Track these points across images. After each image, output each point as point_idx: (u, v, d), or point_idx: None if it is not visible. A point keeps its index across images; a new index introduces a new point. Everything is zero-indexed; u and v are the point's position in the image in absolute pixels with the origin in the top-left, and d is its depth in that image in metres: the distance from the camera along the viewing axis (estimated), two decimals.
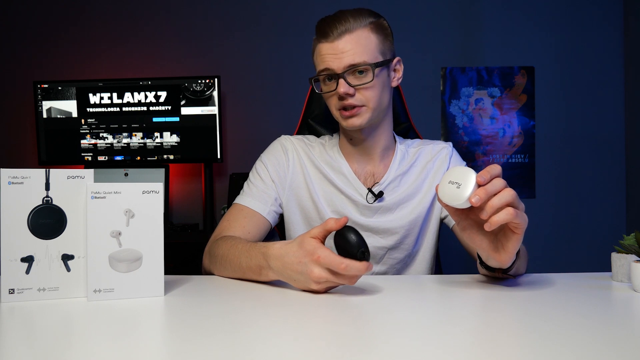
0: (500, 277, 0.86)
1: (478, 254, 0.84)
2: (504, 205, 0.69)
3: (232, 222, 1.06)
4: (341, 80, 1.00)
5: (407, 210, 1.11)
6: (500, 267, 0.80)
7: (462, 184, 0.70)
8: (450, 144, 1.19)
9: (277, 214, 1.12)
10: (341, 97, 1.02)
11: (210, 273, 0.99)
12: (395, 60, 1.09)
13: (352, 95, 1.01)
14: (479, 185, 0.70)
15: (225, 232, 1.04)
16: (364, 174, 1.12)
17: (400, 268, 1.13)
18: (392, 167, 1.13)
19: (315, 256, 0.73)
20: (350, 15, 1.01)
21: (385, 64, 1.04)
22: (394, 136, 1.18)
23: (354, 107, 1.02)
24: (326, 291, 0.77)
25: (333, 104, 1.06)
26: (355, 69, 1.00)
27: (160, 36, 2.61)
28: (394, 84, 1.10)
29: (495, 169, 0.71)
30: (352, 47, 0.99)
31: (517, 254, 0.81)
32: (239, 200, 1.10)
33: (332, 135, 1.21)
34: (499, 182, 0.70)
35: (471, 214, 0.76)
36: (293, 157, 1.14)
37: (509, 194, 0.70)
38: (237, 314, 0.66)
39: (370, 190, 1.10)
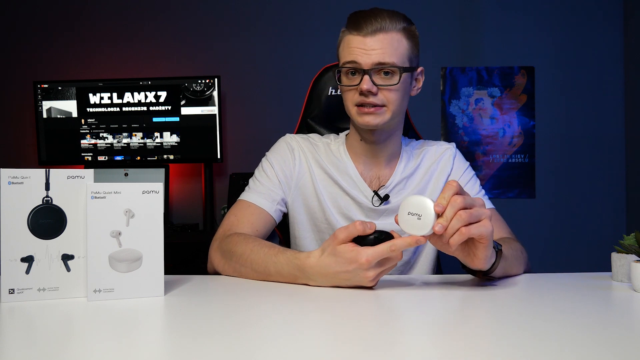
0: (482, 278, 0.87)
1: None
2: (461, 226, 0.72)
3: (240, 218, 1.05)
4: (366, 77, 0.98)
5: None
6: (479, 270, 0.81)
7: (423, 215, 0.73)
8: (454, 144, 1.18)
9: (282, 213, 1.11)
10: (362, 94, 1.00)
11: (216, 273, 0.98)
12: (419, 70, 1.07)
13: (374, 94, 1.00)
14: (437, 214, 0.73)
15: (234, 229, 1.02)
16: (370, 176, 1.11)
17: (404, 270, 1.13)
18: (398, 170, 1.12)
19: (362, 260, 0.75)
20: (386, 15, 1.00)
21: (411, 71, 1.03)
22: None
23: (374, 105, 1.01)
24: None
25: (350, 99, 1.04)
26: (382, 69, 0.99)
27: (160, 36, 2.61)
28: (413, 93, 1.08)
29: (451, 188, 0.73)
30: (383, 46, 0.98)
31: (500, 256, 0.83)
32: (245, 196, 1.08)
33: (338, 135, 1.19)
34: (457, 203, 0.72)
35: None
36: (299, 156, 1.13)
37: (464, 216, 0.72)
38: (237, 314, 0.66)
39: (376, 193, 1.09)
